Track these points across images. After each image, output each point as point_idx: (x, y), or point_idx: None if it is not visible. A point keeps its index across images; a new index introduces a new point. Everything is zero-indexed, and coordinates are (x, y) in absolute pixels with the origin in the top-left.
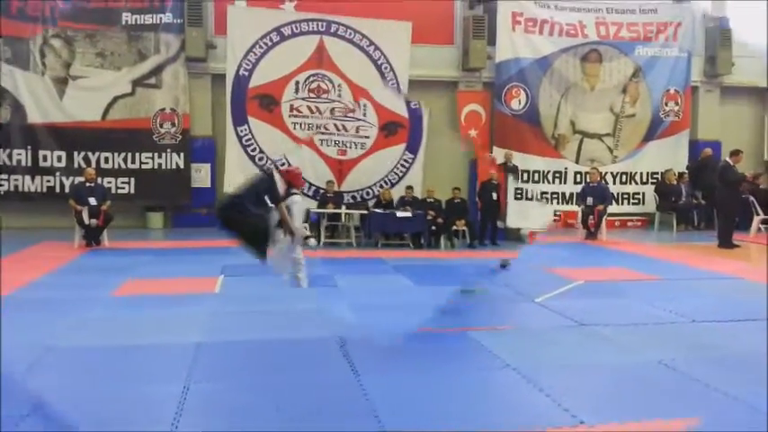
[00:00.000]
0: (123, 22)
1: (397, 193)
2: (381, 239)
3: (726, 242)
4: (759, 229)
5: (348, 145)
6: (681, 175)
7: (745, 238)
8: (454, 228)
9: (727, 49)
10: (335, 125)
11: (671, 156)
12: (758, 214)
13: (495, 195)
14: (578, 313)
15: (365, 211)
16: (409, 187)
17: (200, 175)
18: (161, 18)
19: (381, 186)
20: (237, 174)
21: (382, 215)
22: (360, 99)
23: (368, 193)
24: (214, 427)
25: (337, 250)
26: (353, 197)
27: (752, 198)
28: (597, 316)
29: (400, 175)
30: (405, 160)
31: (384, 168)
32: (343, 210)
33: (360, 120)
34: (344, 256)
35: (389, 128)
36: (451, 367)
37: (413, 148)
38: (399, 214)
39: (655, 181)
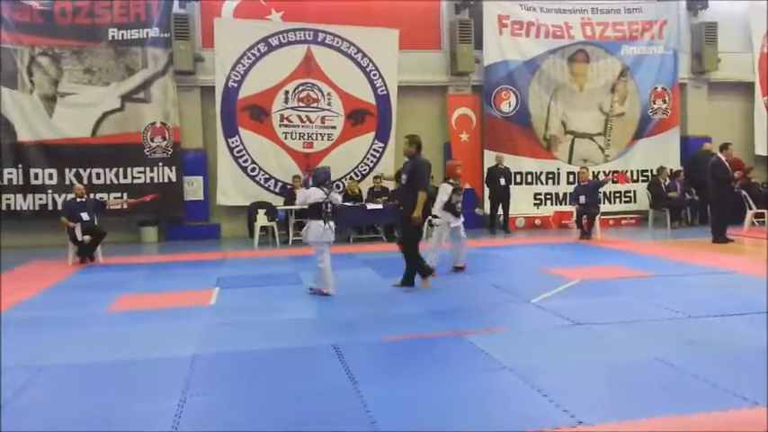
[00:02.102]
0: (110, 38)
1: (367, 184)
2: (353, 234)
3: (720, 237)
4: (753, 223)
5: (314, 137)
6: (676, 172)
7: (738, 233)
8: (429, 217)
9: (713, 45)
10: (299, 116)
11: (661, 153)
12: (751, 208)
13: (503, 181)
14: (574, 312)
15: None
16: (377, 177)
17: (193, 188)
18: (147, 33)
19: (351, 179)
20: (230, 185)
21: (352, 209)
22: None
23: (338, 186)
24: None
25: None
26: None
27: (744, 192)
28: (593, 314)
29: (371, 165)
30: (375, 150)
31: (353, 159)
32: None
33: (325, 109)
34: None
35: (356, 116)
36: (448, 371)
37: (382, 136)
38: (370, 207)
39: (646, 178)
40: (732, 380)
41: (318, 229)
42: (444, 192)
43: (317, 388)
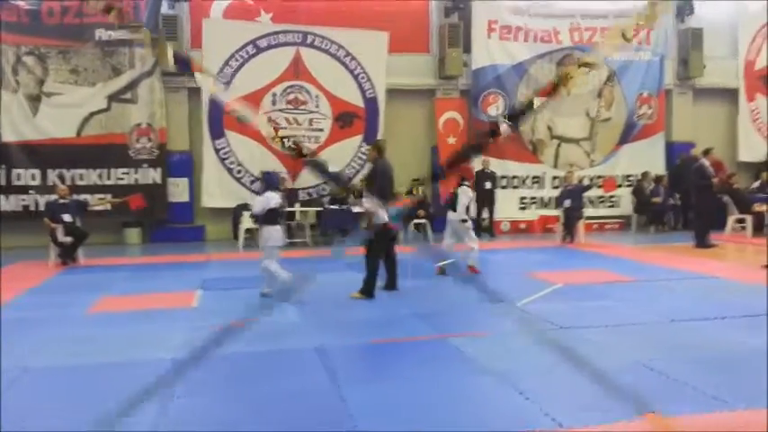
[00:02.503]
0: (97, 38)
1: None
2: (338, 236)
3: (702, 242)
4: (734, 228)
5: (301, 139)
6: (660, 177)
7: (720, 237)
8: (415, 221)
9: (698, 51)
10: (287, 119)
11: (646, 158)
12: (733, 213)
13: (488, 184)
14: (558, 316)
15: (320, 208)
16: (362, 180)
17: (178, 190)
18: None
19: None
20: (216, 187)
21: (337, 211)
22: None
23: (324, 189)
24: None
25: (292, 250)
26: (309, 194)
27: (726, 197)
28: (576, 318)
29: (358, 168)
30: (362, 153)
31: (340, 162)
32: (298, 207)
33: (313, 112)
34: (298, 255)
35: (344, 119)
36: (432, 375)
37: (370, 139)
38: (355, 209)
39: (630, 183)
40: (713, 383)
41: (278, 234)
42: (466, 195)
43: (299, 391)
